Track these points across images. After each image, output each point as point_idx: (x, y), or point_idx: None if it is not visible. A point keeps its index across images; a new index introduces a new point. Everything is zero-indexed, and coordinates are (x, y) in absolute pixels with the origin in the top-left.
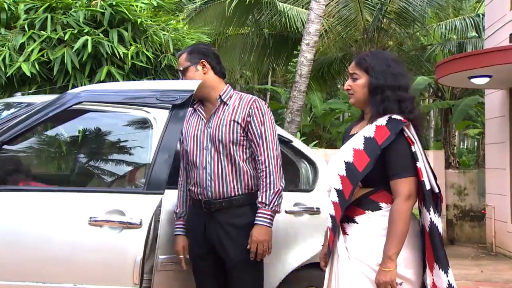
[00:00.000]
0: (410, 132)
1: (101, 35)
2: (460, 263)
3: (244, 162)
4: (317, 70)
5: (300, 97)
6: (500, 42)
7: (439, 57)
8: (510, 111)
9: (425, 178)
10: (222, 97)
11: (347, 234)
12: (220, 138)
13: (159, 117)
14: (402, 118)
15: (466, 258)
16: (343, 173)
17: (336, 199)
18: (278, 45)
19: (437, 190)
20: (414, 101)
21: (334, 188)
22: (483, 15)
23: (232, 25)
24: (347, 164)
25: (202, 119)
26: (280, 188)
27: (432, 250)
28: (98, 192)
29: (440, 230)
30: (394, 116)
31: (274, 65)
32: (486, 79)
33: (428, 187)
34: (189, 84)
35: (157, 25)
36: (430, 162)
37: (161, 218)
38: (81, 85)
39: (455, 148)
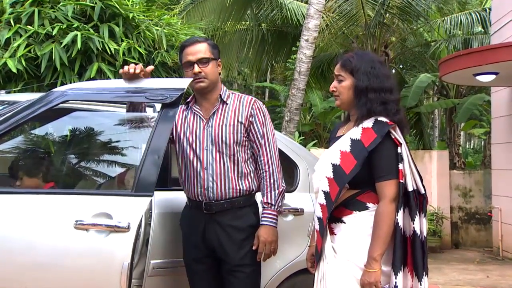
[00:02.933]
0: (397, 134)
1: (91, 31)
2: (465, 267)
3: (246, 163)
4: (316, 67)
5: (299, 95)
6: (508, 38)
7: (443, 54)
8: None
9: (408, 179)
10: (222, 97)
11: (335, 234)
12: (224, 138)
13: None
14: (387, 121)
15: (472, 262)
16: (330, 175)
17: (324, 201)
18: (277, 41)
19: (423, 191)
20: (399, 103)
21: (322, 190)
22: (490, 9)
23: (230, 20)
24: (334, 166)
25: (201, 118)
26: (283, 188)
27: (412, 259)
28: (84, 195)
29: (425, 234)
30: (380, 119)
31: (273, 62)
32: (492, 77)
33: (411, 188)
34: (180, 82)
35: (149, 20)
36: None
37: (153, 221)
38: (70, 83)
39: (460, 148)
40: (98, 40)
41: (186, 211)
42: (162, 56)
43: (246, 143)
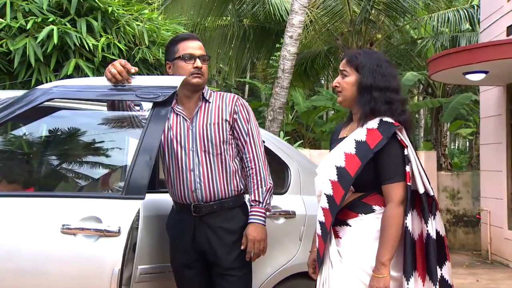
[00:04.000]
0: (403, 135)
1: (68, 25)
2: (454, 271)
3: (233, 162)
4: (299, 65)
5: (283, 93)
6: (497, 36)
7: (430, 52)
8: (507, 109)
9: (418, 182)
10: (205, 95)
11: (340, 238)
12: (209, 137)
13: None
14: (393, 121)
15: (460, 266)
16: (334, 178)
17: (326, 205)
18: (259, 37)
19: (431, 193)
20: (405, 103)
21: (325, 194)
22: (478, 6)
23: (210, 15)
24: (339, 169)
25: (185, 119)
26: (271, 185)
27: (426, 263)
28: (71, 197)
29: (442, 233)
30: (385, 119)
31: (255, 59)
32: (482, 75)
33: (422, 190)
34: (172, 80)
35: (129, 14)
36: (422, 164)
37: (140, 225)
38: (46, 80)
39: (446, 148)
40: (76, 35)
41: (173, 215)
42: (143, 52)
43: (232, 141)
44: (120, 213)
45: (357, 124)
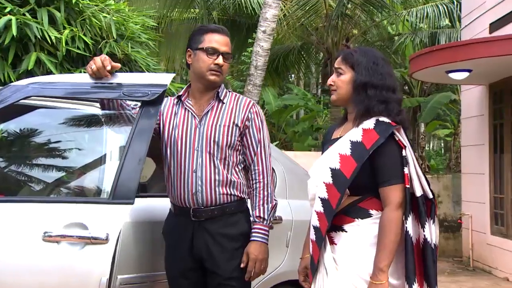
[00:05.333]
0: (401, 136)
1: (28, 15)
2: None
3: (236, 168)
4: (271, 62)
5: (255, 91)
6: (479, 33)
7: (408, 49)
8: (489, 109)
9: (415, 184)
10: (220, 94)
11: (335, 244)
12: (217, 140)
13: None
14: (390, 121)
15: (442, 273)
16: (329, 180)
17: (321, 209)
18: (229, 31)
19: (430, 196)
20: (401, 103)
21: (319, 197)
22: (458, 1)
23: (177, 7)
24: (334, 171)
25: (194, 116)
26: (276, 202)
27: (424, 268)
28: (54, 202)
29: (435, 241)
30: (381, 119)
31: None
32: (466, 74)
33: (419, 193)
34: (162, 78)
35: (95, 5)
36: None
37: (122, 231)
38: (4, 76)
39: (423, 150)
40: (36, 27)
41: (171, 218)
42: (111, 46)
43: (239, 147)
44: (108, 219)
45: (352, 124)
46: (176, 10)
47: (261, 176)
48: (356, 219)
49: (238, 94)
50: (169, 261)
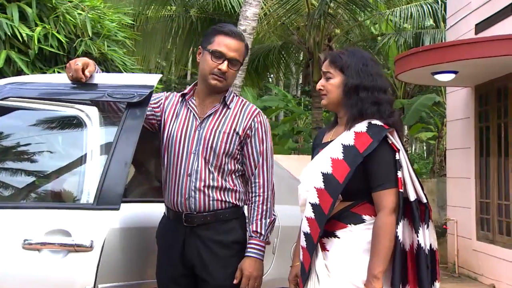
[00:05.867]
0: (394, 139)
1: None
2: None
3: (233, 175)
4: (251, 62)
5: (235, 93)
6: (464, 34)
7: (392, 50)
8: (475, 112)
9: (409, 188)
10: (226, 99)
11: (327, 250)
12: (214, 146)
13: (93, 115)
14: (382, 124)
15: None
16: (320, 185)
17: (312, 215)
18: (207, 30)
19: (425, 200)
20: (393, 104)
21: (309, 203)
22: (443, 1)
23: (153, 4)
24: (325, 175)
25: (195, 117)
26: (274, 217)
27: (417, 275)
28: (35, 208)
29: (433, 245)
30: (374, 122)
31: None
32: (452, 76)
33: (413, 197)
34: (148, 79)
35: (69, 1)
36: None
37: (107, 238)
38: None
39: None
40: (6, 23)
41: (164, 222)
42: (87, 45)
43: (238, 156)
44: (92, 225)
45: (344, 127)
46: (152, 7)
47: (261, 190)
48: (349, 225)
49: (245, 100)
50: (160, 266)
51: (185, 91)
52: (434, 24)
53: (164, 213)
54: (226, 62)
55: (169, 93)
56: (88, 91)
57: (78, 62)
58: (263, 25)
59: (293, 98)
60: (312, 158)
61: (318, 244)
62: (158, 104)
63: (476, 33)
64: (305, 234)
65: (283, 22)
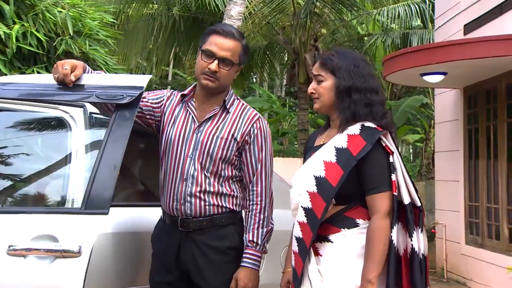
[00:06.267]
0: (388, 141)
1: None
2: None
3: (230, 181)
4: None
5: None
6: (453, 34)
7: (379, 50)
8: (464, 114)
9: (403, 191)
10: (226, 103)
11: (320, 255)
12: (211, 151)
13: (78, 116)
14: (375, 126)
15: None
16: (313, 189)
17: (304, 219)
18: (190, 29)
19: (418, 204)
20: (385, 104)
21: (302, 207)
22: (431, 1)
23: (134, 2)
24: (318, 179)
25: (194, 120)
26: (272, 227)
27: (410, 280)
28: (19, 213)
29: (423, 251)
30: (367, 124)
31: (187, 54)
32: (441, 77)
33: (407, 201)
34: (138, 80)
35: None
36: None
37: (94, 244)
38: None
39: None
40: None
41: (160, 226)
42: (67, 44)
43: (236, 162)
44: (81, 230)
45: (337, 130)
46: (134, 5)
47: (259, 198)
48: (342, 229)
49: (245, 104)
50: (153, 270)
51: (185, 91)
52: (421, 24)
53: (161, 217)
54: (216, 62)
55: (170, 92)
56: (75, 92)
57: (67, 66)
58: (247, 24)
59: (277, 99)
60: (304, 161)
61: (311, 248)
62: (160, 104)
63: (465, 34)
64: (297, 238)
65: (268, 21)
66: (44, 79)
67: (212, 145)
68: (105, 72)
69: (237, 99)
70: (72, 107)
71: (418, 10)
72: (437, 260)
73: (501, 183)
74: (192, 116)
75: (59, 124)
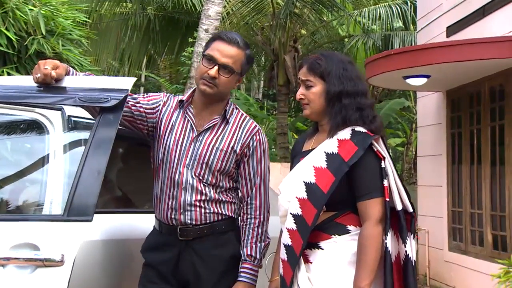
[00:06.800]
0: (380, 146)
1: None
2: None
3: (228, 191)
4: None
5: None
6: (436, 36)
7: (360, 52)
8: (447, 117)
9: (395, 197)
10: (226, 113)
11: (310, 263)
12: (210, 163)
13: (55, 119)
14: (366, 130)
15: None
16: (303, 195)
17: (293, 226)
18: (166, 29)
19: (411, 210)
20: (373, 107)
21: (291, 213)
22: (412, 2)
23: (107, 0)
24: (308, 185)
25: (192, 128)
26: (269, 241)
27: (405, 286)
28: None
29: (414, 258)
30: (357, 129)
31: (162, 54)
32: (424, 80)
33: (400, 207)
34: (122, 82)
35: None
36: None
37: (78, 252)
38: None
39: None
40: None
41: (154, 236)
42: (39, 43)
43: (234, 174)
44: (63, 238)
45: (327, 135)
46: (107, 4)
47: (257, 212)
48: (333, 236)
49: (244, 115)
50: (147, 280)
51: (183, 97)
52: (403, 26)
53: (154, 227)
54: (216, 67)
55: (166, 96)
56: (56, 95)
57: (47, 66)
58: (225, 24)
59: (255, 102)
60: (292, 166)
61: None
62: (155, 110)
63: (447, 36)
64: (286, 246)
65: (246, 22)
66: (22, 81)
67: (212, 156)
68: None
69: (236, 108)
70: (49, 109)
71: (400, 12)
72: (419, 267)
73: (484, 188)
74: (191, 124)
75: (36, 127)
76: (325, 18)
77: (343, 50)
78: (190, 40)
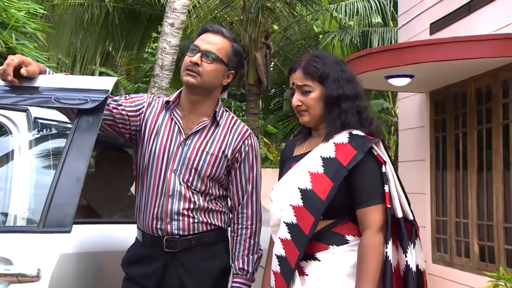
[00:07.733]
0: (380, 150)
1: None
2: None
3: (217, 199)
4: (177, 61)
5: (161, 96)
6: (418, 34)
7: (336, 50)
8: (431, 120)
9: (396, 204)
10: (216, 115)
11: (306, 275)
12: (199, 168)
13: (20, 121)
14: (363, 134)
15: None
16: (298, 203)
17: (287, 236)
18: (126, 23)
19: (411, 217)
20: (369, 109)
21: (284, 222)
22: None
23: None
24: (304, 191)
25: (180, 131)
26: (261, 253)
27: None
28: None
29: (420, 266)
30: (355, 132)
31: (120, 50)
32: (407, 80)
33: (400, 214)
34: (103, 82)
35: None
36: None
37: (55, 266)
38: None
39: None
40: None
41: (137, 248)
42: None
43: (224, 181)
44: (39, 251)
45: (323, 139)
46: None
47: (249, 222)
48: (330, 246)
49: (235, 118)
50: None
51: (170, 98)
52: (382, 22)
53: (137, 238)
54: (198, 54)
55: (151, 98)
56: (33, 95)
57: (15, 58)
58: (192, 18)
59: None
60: (282, 173)
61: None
62: (138, 112)
63: (431, 33)
64: (279, 257)
65: (215, 15)
66: None
67: (201, 161)
68: None
69: (226, 111)
70: (13, 111)
71: (378, 6)
72: None
73: (471, 196)
74: (178, 127)
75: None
76: (299, 13)
77: (317, 47)
78: (154, 35)
